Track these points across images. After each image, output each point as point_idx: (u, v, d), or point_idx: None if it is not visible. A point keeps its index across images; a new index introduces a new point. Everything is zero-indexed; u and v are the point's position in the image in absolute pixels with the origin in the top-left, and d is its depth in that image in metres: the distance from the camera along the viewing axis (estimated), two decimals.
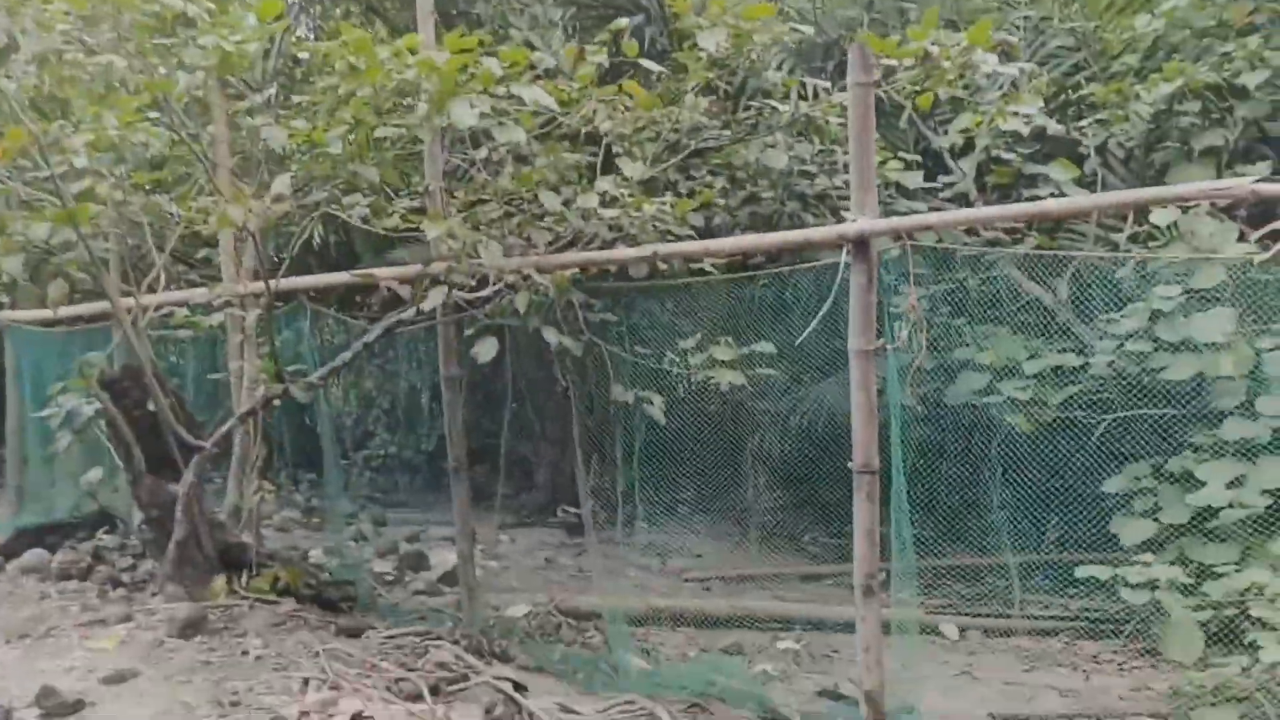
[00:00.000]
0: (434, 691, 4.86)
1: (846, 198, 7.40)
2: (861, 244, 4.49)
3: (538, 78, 5.47)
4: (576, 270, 5.48)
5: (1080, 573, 5.74)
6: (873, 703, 4.56)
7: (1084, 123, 8.00)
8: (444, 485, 11.32)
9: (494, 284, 5.57)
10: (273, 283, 5.83)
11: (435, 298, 5.30)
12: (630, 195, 5.68)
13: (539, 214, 5.76)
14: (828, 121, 6.52)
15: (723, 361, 5.43)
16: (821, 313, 4.64)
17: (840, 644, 6.27)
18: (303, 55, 6.79)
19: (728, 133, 6.63)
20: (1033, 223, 6.71)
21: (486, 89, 5.10)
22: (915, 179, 7.03)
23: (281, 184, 5.44)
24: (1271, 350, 5.93)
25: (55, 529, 7.78)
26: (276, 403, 6.46)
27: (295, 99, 6.05)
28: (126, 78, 5.39)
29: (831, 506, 8.96)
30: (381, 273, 5.89)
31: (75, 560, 6.94)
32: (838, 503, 8.90)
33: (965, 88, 5.99)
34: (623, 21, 5.65)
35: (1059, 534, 6.70)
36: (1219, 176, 7.20)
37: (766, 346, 5.44)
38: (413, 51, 5.26)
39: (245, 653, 5.10)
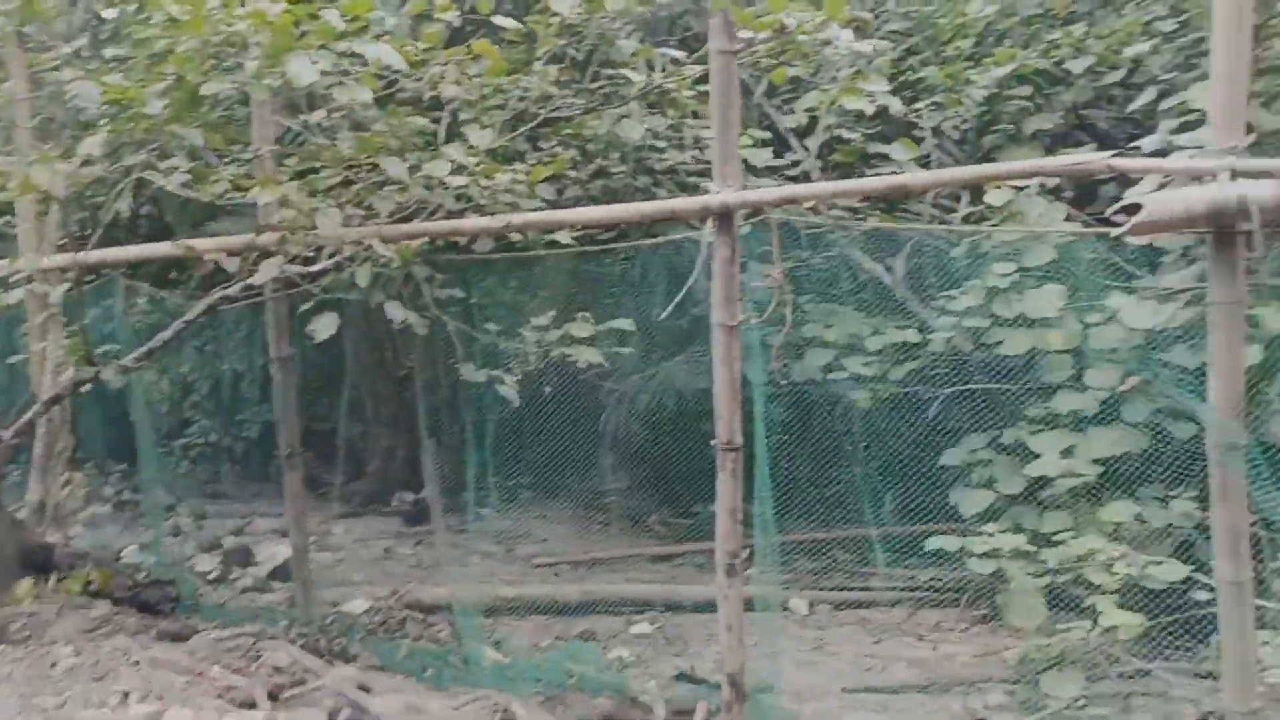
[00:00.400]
0: (271, 697, 4.52)
1: (696, 172, 7.39)
2: (725, 216, 4.38)
3: (377, 37, 5.13)
4: (425, 242, 5.17)
5: (931, 544, 5.86)
6: (735, 685, 4.48)
7: (919, 105, 8.17)
8: (269, 474, 10.80)
9: (330, 256, 5.22)
10: (83, 255, 5.28)
11: (268, 271, 4.89)
12: (479, 164, 5.41)
13: (381, 182, 5.43)
14: (681, 94, 6.40)
15: (579, 339, 5.24)
16: (686, 287, 4.53)
17: (694, 625, 6.21)
18: (109, 13, 6.20)
19: (580, 102, 6.42)
20: (889, 197, 6.77)
21: (325, 45, 4.73)
22: (764, 156, 7.02)
23: (91, 145, 4.93)
24: (1097, 325, 6.17)
25: None
26: (85, 388, 5.89)
27: (107, 53, 5.49)
28: None
29: (678, 486, 8.94)
30: (205, 244, 5.42)
31: None
32: (684, 482, 8.92)
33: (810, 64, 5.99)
34: None
35: (899, 506, 6.82)
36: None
37: (624, 323, 5.28)
38: (242, 1, 4.82)
39: (54, 664, 4.61)
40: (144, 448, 7.10)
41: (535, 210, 5.64)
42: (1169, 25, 7.27)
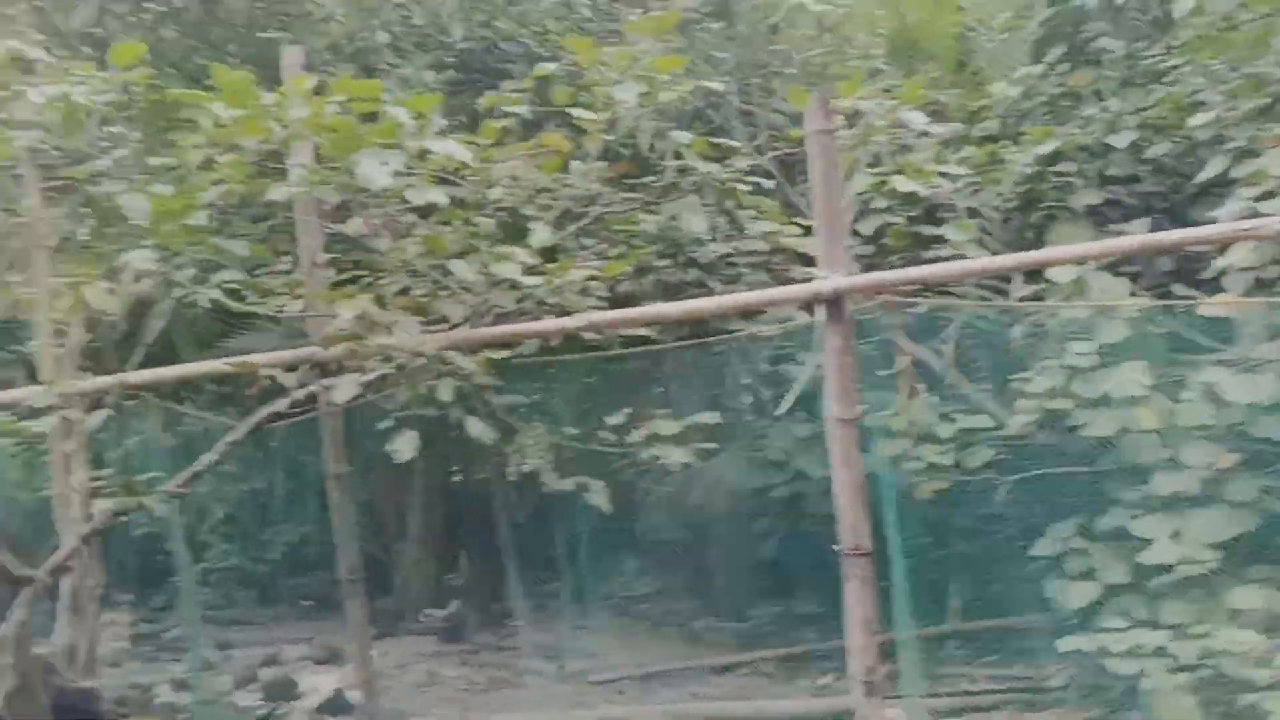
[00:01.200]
0: None
1: (737, 265, 7.18)
2: (836, 303, 4.12)
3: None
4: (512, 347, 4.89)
5: (1063, 645, 5.47)
6: None
7: (954, 185, 8.03)
8: (292, 598, 10.25)
9: (388, 366, 4.93)
10: (128, 376, 4.95)
11: (346, 388, 4.57)
12: (547, 263, 5.18)
13: (444, 286, 5.18)
14: (735, 184, 6.24)
15: (665, 437, 4.92)
16: (801, 381, 4.23)
17: None
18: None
19: (636, 197, 6.21)
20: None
21: (395, 143, 4.50)
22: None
23: (142, 260, 4.65)
24: (1189, 401, 5.91)
25: None
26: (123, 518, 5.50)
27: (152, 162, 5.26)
28: None
29: (731, 589, 8.54)
30: (261, 359, 5.11)
31: None
32: (737, 584, 8.51)
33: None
34: (549, 66, 5.16)
35: (985, 601, 6.47)
36: (1095, 236, 7.32)
37: (709, 417, 4.99)
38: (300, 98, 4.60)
39: None
40: (183, 577, 6.63)
41: (595, 309, 5.40)
42: (1216, 97, 7.18)
